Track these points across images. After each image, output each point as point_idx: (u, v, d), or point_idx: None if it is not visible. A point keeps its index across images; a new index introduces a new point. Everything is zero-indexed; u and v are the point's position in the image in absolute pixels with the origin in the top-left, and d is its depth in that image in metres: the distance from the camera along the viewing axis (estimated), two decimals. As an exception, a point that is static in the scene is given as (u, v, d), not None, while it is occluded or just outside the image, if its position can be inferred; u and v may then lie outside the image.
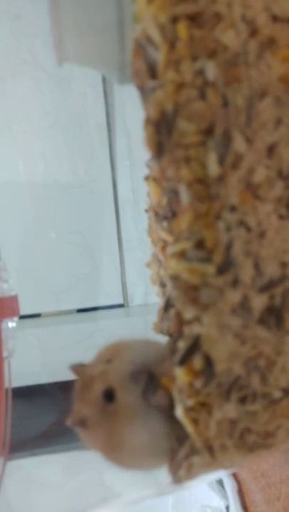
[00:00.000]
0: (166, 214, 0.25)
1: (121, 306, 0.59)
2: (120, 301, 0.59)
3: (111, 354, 0.22)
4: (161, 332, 0.27)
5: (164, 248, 0.28)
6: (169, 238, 0.24)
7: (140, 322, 0.55)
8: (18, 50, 0.53)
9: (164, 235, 0.25)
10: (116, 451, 0.21)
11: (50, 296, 0.57)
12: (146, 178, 0.28)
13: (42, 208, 0.57)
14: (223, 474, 0.40)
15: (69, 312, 0.58)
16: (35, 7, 0.50)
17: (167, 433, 0.21)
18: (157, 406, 0.20)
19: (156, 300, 0.29)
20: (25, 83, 0.54)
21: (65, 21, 0.23)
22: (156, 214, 0.29)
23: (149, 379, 0.20)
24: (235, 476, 0.40)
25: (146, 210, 0.32)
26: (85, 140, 0.56)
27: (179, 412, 0.19)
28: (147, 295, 0.60)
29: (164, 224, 0.26)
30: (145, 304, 0.59)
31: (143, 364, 0.20)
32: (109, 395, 0.20)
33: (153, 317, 0.28)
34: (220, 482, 0.43)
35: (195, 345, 0.18)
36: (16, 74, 0.54)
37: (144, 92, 0.18)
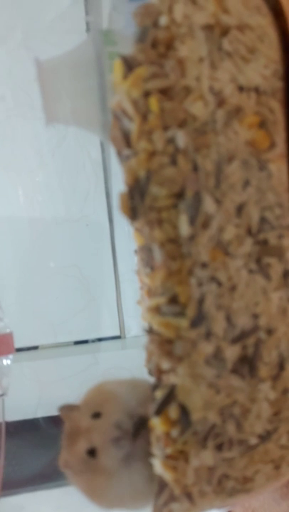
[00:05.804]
0: (148, 262, 0.26)
1: (118, 337, 0.60)
2: (117, 332, 0.60)
3: (99, 405, 0.22)
4: (149, 371, 0.28)
5: (149, 292, 0.30)
6: (152, 285, 0.25)
7: (136, 354, 0.56)
8: (15, 92, 0.55)
9: (148, 281, 0.26)
10: (97, 498, 0.22)
11: (48, 328, 0.58)
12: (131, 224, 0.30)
13: (39, 242, 0.58)
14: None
15: (66, 344, 0.59)
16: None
17: (150, 479, 0.21)
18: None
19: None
20: (23, 123, 0.56)
21: (52, 86, 0.25)
22: (142, 259, 0.30)
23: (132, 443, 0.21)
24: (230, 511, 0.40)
25: (136, 252, 0.33)
26: (81, 175, 0.58)
27: (156, 463, 0.20)
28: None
29: (148, 270, 0.27)
30: (142, 335, 0.60)
31: (128, 425, 0.21)
32: (92, 453, 0.21)
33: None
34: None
35: (171, 395, 0.19)
36: (14, 115, 0.56)
37: (121, 159, 0.20)
